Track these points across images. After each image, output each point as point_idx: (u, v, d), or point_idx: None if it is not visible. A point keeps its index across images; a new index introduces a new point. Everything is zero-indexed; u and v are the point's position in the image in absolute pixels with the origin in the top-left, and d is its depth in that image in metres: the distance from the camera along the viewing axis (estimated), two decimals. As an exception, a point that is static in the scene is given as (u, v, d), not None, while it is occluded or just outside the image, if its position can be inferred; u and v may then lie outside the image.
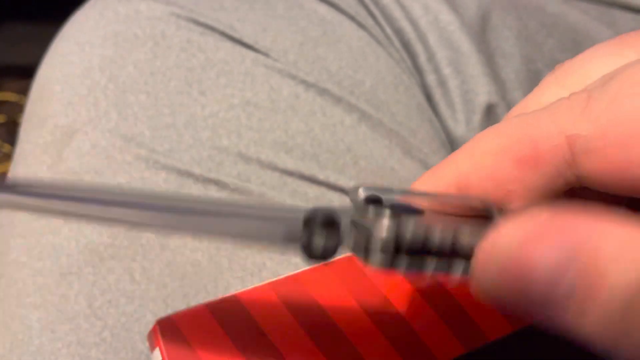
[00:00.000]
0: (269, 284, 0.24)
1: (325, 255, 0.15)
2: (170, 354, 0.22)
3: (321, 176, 0.32)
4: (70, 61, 0.34)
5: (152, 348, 0.23)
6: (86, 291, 0.29)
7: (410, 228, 0.13)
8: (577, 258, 0.12)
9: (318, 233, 0.14)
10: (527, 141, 0.16)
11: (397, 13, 0.38)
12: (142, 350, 0.28)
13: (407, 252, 0.13)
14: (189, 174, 0.31)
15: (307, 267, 0.25)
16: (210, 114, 0.32)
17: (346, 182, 0.32)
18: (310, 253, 0.15)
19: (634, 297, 0.11)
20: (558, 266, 0.12)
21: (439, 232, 0.14)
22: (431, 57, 0.38)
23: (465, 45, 0.37)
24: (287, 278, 0.24)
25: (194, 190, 0.31)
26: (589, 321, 0.12)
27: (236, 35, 0.34)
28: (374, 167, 0.33)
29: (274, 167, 0.32)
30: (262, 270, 0.30)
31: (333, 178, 0.32)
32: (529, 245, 0.12)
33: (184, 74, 0.33)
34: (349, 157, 0.33)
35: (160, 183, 0.31)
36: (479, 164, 0.17)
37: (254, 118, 0.32)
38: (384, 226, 0.13)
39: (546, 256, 0.12)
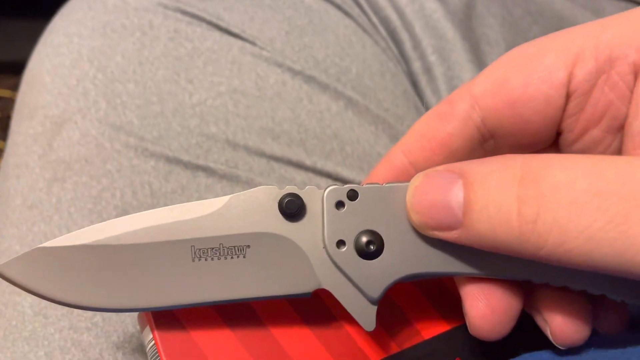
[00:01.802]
0: None
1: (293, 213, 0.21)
2: (161, 330, 0.23)
3: (308, 162, 0.33)
4: (59, 52, 0.34)
5: (142, 327, 0.24)
6: (78, 277, 0.29)
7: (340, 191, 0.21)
8: (459, 180, 0.19)
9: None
10: (446, 102, 0.22)
11: (382, 2, 0.38)
12: (133, 333, 0.28)
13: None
14: (177, 161, 0.31)
15: None
16: (198, 102, 0.33)
17: (333, 168, 0.33)
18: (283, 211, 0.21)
19: (497, 199, 0.18)
20: (449, 187, 0.19)
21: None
22: (417, 45, 0.38)
23: (451, 32, 0.38)
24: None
25: (183, 177, 0.31)
26: (476, 221, 0.18)
27: (223, 24, 0.34)
28: (360, 152, 0.34)
29: (261, 153, 0.32)
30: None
31: (320, 164, 0.33)
32: (431, 181, 0.20)
33: (172, 63, 0.33)
34: (336, 143, 0.34)
35: (149, 170, 0.31)
36: (414, 131, 0.23)
37: (241, 105, 0.33)
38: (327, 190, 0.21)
39: (440, 183, 0.19)
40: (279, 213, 0.21)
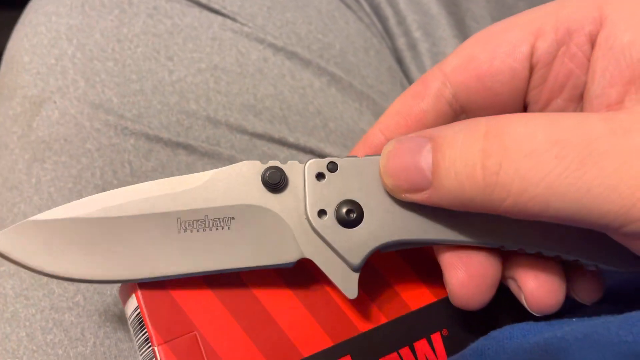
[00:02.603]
0: None
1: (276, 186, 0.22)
2: (146, 297, 0.23)
3: (291, 138, 0.32)
4: (37, 32, 0.34)
5: (127, 297, 0.24)
6: (58, 257, 0.29)
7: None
8: (429, 143, 0.20)
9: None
10: (420, 82, 0.22)
11: None
12: (114, 312, 0.28)
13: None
14: (157, 139, 0.31)
15: None
16: (178, 79, 0.32)
17: (316, 144, 0.33)
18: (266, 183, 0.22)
19: (463, 155, 0.18)
20: (419, 150, 0.20)
21: None
22: (401, 21, 0.38)
23: (435, 8, 0.37)
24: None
25: (163, 155, 0.31)
26: (444, 179, 0.19)
27: (203, 0, 0.34)
28: (344, 129, 0.34)
29: (243, 130, 0.32)
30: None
31: (303, 140, 0.32)
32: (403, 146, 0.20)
33: (151, 40, 0.33)
34: (319, 119, 0.33)
35: (129, 149, 0.31)
36: (391, 110, 0.23)
37: (222, 82, 0.32)
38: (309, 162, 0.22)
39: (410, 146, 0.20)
40: (262, 186, 0.22)
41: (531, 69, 0.21)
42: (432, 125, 0.22)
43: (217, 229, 0.22)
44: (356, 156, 0.22)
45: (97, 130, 0.31)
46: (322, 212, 0.22)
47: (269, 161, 0.22)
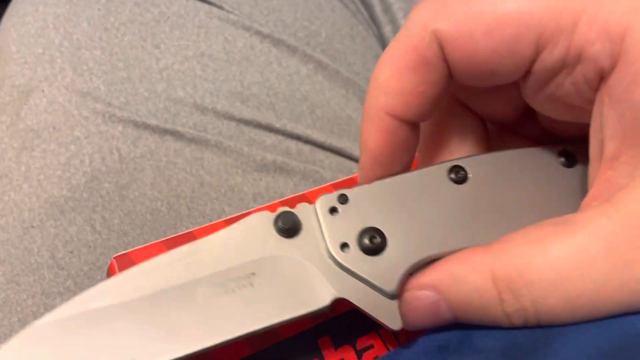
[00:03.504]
0: (224, 220, 0.25)
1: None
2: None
3: (278, 125, 0.33)
4: (25, 21, 0.34)
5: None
6: (49, 243, 0.29)
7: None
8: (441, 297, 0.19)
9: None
10: (411, 51, 0.19)
11: None
12: (105, 296, 0.29)
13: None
14: (145, 126, 0.31)
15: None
16: (165, 66, 0.32)
17: (303, 130, 0.33)
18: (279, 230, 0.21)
19: (469, 297, 0.19)
20: (437, 312, 0.20)
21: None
22: (387, 9, 0.38)
23: None
24: (242, 214, 0.25)
25: (151, 141, 0.31)
26: (461, 304, 0.19)
27: None
28: (330, 115, 0.34)
29: (230, 117, 0.32)
30: (222, 215, 0.30)
31: (289, 126, 0.33)
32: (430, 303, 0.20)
33: (138, 28, 0.33)
34: (306, 106, 0.34)
35: (118, 136, 0.31)
36: (389, 92, 0.20)
37: (208, 69, 0.33)
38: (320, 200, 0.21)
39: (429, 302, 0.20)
40: (275, 234, 0.21)
41: (529, 71, 0.19)
42: (434, 95, 0.20)
43: (240, 289, 0.20)
44: (364, 184, 0.22)
45: (85, 118, 0.31)
46: (344, 246, 0.21)
47: (278, 208, 0.21)
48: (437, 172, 0.22)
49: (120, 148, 0.31)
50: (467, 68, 0.19)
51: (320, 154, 0.33)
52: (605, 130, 0.18)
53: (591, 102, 0.18)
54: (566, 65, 0.18)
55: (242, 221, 0.21)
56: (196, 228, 0.24)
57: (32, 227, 0.30)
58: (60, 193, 0.30)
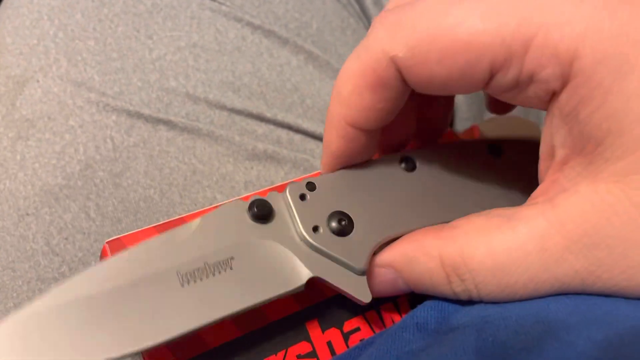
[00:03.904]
0: (216, 206, 0.25)
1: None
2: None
3: (269, 114, 0.33)
4: (19, 13, 0.34)
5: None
6: (44, 230, 0.30)
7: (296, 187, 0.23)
8: (398, 274, 0.22)
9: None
10: (369, 72, 0.20)
11: None
12: (99, 282, 0.29)
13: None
14: (138, 115, 0.32)
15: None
16: (158, 57, 0.33)
17: (294, 120, 0.34)
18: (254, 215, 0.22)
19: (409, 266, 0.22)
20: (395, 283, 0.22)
21: None
22: (377, 1, 0.38)
23: None
24: (233, 201, 0.25)
25: (144, 130, 0.32)
26: (415, 282, 0.22)
27: None
28: (321, 105, 0.34)
29: (222, 106, 0.33)
30: (213, 203, 0.31)
31: (280, 116, 0.33)
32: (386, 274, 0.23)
33: (131, 19, 0.33)
34: (296, 96, 0.34)
35: (111, 125, 0.32)
36: (351, 106, 0.22)
37: (201, 60, 0.33)
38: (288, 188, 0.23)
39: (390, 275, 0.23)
40: (250, 220, 0.22)
41: (486, 86, 0.20)
42: (390, 111, 0.22)
43: (219, 272, 0.21)
44: (329, 173, 0.24)
45: (79, 107, 0.32)
46: (315, 229, 0.22)
47: (251, 196, 0.22)
48: (390, 162, 0.24)
49: (114, 137, 0.31)
50: (424, 88, 0.20)
51: (311, 143, 0.34)
52: (556, 138, 0.19)
53: (546, 107, 0.20)
54: (519, 85, 0.19)
55: (217, 210, 0.22)
56: (187, 214, 0.25)
57: (27, 214, 0.30)
58: (55, 181, 0.31)
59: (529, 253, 0.19)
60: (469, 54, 0.18)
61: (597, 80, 0.17)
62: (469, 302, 0.21)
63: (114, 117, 0.32)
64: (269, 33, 0.35)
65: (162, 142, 0.32)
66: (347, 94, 0.21)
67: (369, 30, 0.21)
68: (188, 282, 0.20)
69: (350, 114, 0.22)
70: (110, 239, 0.24)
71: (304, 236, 0.22)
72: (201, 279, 0.20)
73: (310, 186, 0.23)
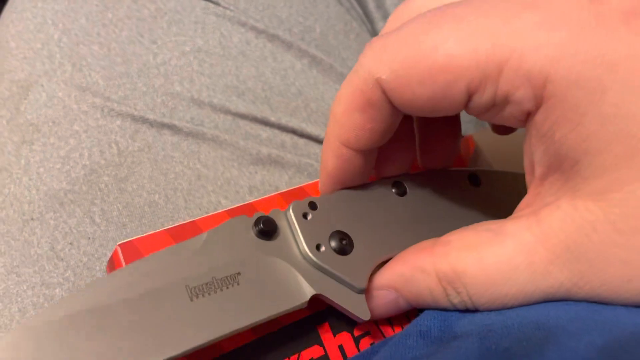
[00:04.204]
0: (227, 210, 0.25)
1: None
2: None
3: (273, 118, 0.33)
4: (23, 17, 0.34)
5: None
6: (48, 235, 0.30)
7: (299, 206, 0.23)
8: (399, 294, 0.23)
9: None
10: (358, 94, 0.21)
11: None
12: (104, 287, 0.29)
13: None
14: (143, 120, 0.32)
15: (261, 198, 0.26)
16: (162, 61, 0.33)
17: (298, 124, 0.34)
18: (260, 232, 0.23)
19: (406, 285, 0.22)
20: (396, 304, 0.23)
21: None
22: (380, 5, 0.39)
23: None
24: (243, 205, 0.26)
25: (149, 135, 0.32)
26: (417, 299, 0.22)
27: None
28: (325, 109, 0.35)
29: (226, 111, 0.33)
30: (218, 208, 0.31)
31: (284, 120, 0.33)
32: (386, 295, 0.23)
33: (135, 24, 0.33)
34: (300, 100, 0.34)
35: (116, 130, 0.32)
36: (343, 126, 0.22)
37: (205, 64, 0.33)
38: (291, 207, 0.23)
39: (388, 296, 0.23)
40: (255, 237, 0.22)
41: (467, 106, 0.21)
42: (381, 132, 0.22)
43: (227, 287, 0.21)
44: (328, 194, 0.25)
45: (84, 112, 0.32)
46: (318, 247, 0.23)
47: (255, 213, 0.23)
48: (384, 186, 0.26)
49: (119, 142, 0.31)
50: (409, 108, 0.21)
51: (315, 147, 0.34)
52: (535, 156, 0.20)
53: (524, 126, 0.20)
54: (496, 105, 0.20)
55: (223, 224, 0.22)
56: (199, 218, 0.25)
57: (32, 219, 0.30)
58: (60, 186, 0.31)
59: (517, 266, 0.19)
60: (447, 76, 0.19)
61: (572, 103, 0.18)
62: (471, 310, 0.21)
63: (118, 122, 0.32)
64: (273, 37, 0.35)
65: (166, 147, 0.32)
66: (339, 114, 0.22)
67: (361, 55, 0.22)
68: (197, 297, 0.20)
69: (343, 133, 0.22)
70: (123, 241, 0.24)
71: (307, 254, 0.22)
72: (209, 294, 0.21)
73: (312, 205, 0.23)
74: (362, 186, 0.25)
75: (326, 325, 0.24)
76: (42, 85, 0.33)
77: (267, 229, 0.22)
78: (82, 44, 0.33)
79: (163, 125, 0.32)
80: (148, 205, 0.30)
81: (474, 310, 0.21)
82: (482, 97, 0.20)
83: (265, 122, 0.33)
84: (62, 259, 0.30)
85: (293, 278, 0.22)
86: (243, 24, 0.34)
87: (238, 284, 0.21)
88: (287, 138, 0.33)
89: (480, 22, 0.19)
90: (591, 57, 0.17)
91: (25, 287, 0.29)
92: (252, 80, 0.34)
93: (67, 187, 0.31)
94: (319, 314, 0.24)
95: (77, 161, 0.31)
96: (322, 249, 0.23)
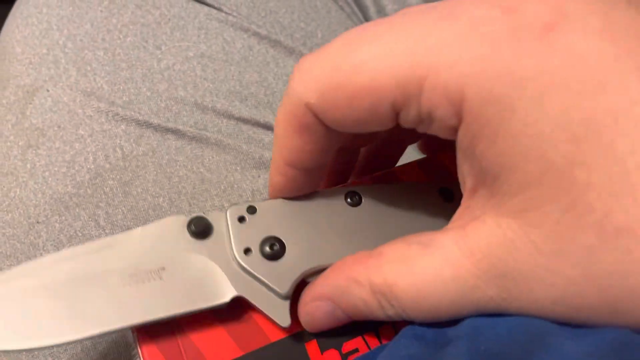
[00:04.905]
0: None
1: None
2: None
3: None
4: (29, 23, 0.35)
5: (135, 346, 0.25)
6: (54, 238, 0.30)
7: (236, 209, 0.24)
8: (335, 305, 0.22)
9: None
10: (292, 117, 0.21)
11: None
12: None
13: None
14: (147, 125, 0.32)
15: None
16: (166, 66, 0.33)
17: (300, 129, 0.34)
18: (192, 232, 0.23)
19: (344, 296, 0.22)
20: (332, 315, 0.23)
21: None
22: (381, 10, 0.39)
23: None
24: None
25: (153, 139, 0.32)
26: (353, 310, 0.22)
27: None
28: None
29: (229, 115, 0.33)
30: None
31: None
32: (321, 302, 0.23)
33: (140, 30, 0.34)
34: None
35: (121, 134, 0.32)
36: (284, 147, 0.23)
37: (208, 69, 0.34)
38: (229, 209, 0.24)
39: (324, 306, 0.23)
40: (188, 235, 0.23)
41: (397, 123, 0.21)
42: (321, 151, 0.23)
43: (149, 280, 0.22)
44: (272, 199, 0.25)
45: (89, 116, 0.32)
46: (247, 251, 0.23)
47: (192, 214, 0.24)
48: (336, 195, 0.25)
49: (124, 146, 0.32)
50: (342, 128, 0.21)
51: (317, 152, 0.34)
52: (463, 169, 0.20)
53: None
54: (423, 121, 0.20)
55: (158, 222, 0.23)
56: None
57: (38, 222, 0.31)
58: (65, 189, 0.31)
59: (445, 280, 0.19)
60: (371, 97, 0.19)
61: (485, 120, 0.18)
62: (409, 322, 0.21)
63: (123, 127, 0.32)
64: (275, 43, 0.35)
65: (170, 151, 0.32)
66: (280, 136, 0.23)
67: (290, 77, 0.22)
68: (119, 286, 0.22)
69: (285, 154, 0.23)
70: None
71: (235, 257, 0.23)
72: (131, 285, 0.22)
73: (251, 209, 0.24)
74: (312, 194, 0.25)
75: (314, 342, 0.24)
76: (47, 90, 0.33)
77: (199, 230, 0.23)
78: (87, 50, 0.33)
79: (167, 130, 0.32)
80: (152, 208, 0.31)
81: (412, 322, 0.21)
82: (409, 115, 0.20)
83: (267, 127, 0.33)
84: None
85: (217, 278, 0.23)
86: (246, 30, 0.35)
87: (161, 279, 0.22)
88: None
89: (398, 40, 0.19)
90: (502, 74, 0.17)
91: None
92: (255, 85, 0.34)
93: (73, 191, 0.31)
94: (307, 331, 0.24)
95: (82, 165, 0.32)
96: (252, 253, 0.23)
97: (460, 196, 0.24)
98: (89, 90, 0.33)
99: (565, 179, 0.17)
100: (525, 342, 0.18)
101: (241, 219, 0.24)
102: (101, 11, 0.34)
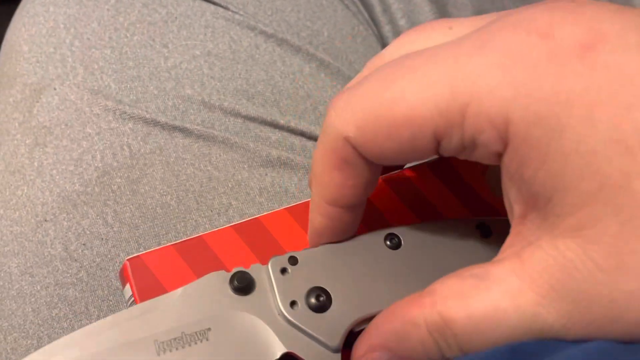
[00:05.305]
0: (233, 225, 0.26)
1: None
2: (140, 288, 0.24)
3: (282, 121, 0.34)
4: (36, 21, 0.35)
5: (124, 284, 0.25)
6: (62, 236, 0.30)
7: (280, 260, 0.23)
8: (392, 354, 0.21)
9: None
10: (332, 153, 0.21)
11: None
12: (117, 287, 0.30)
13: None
14: (155, 123, 0.32)
15: (269, 211, 0.27)
16: (174, 65, 0.33)
17: (307, 127, 0.34)
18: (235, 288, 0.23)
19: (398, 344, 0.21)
20: None
21: None
22: (386, 9, 0.39)
23: None
24: (249, 221, 0.26)
25: (161, 138, 0.32)
26: (410, 355, 0.21)
27: None
28: (333, 112, 0.35)
29: (236, 114, 0.33)
30: (229, 209, 0.31)
31: (293, 123, 0.34)
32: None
33: (147, 28, 0.34)
34: (309, 103, 0.35)
35: (128, 132, 0.32)
36: (325, 185, 0.22)
37: (215, 68, 0.34)
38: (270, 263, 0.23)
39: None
40: (231, 292, 0.23)
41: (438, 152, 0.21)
42: (363, 186, 0.22)
43: (195, 342, 0.22)
44: (313, 248, 0.24)
45: (96, 115, 0.32)
46: (293, 304, 0.23)
47: (234, 268, 0.23)
48: (375, 239, 0.25)
49: (131, 144, 0.32)
50: (382, 160, 0.21)
51: (323, 150, 0.34)
52: (510, 195, 0.20)
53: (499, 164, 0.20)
54: (466, 148, 0.20)
55: (199, 280, 0.23)
56: (205, 233, 0.25)
57: (46, 220, 0.31)
58: (73, 188, 0.31)
59: (505, 311, 0.19)
60: (412, 128, 0.20)
61: (533, 142, 0.18)
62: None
63: (130, 125, 0.32)
64: (281, 41, 0.35)
65: (178, 149, 0.32)
66: (319, 174, 0.22)
67: (327, 113, 0.22)
68: (164, 351, 0.21)
69: (327, 193, 0.23)
70: (131, 256, 0.24)
71: (281, 311, 0.22)
72: (177, 349, 0.21)
73: (293, 260, 0.23)
74: (350, 239, 0.25)
75: None
76: (54, 89, 0.33)
77: (242, 285, 0.23)
78: (94, 48, 0.34)
79: (174, 128, 0.32)
80: (160, 206, 0.31)
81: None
82: (451, 143, 0.20)
83: (274, 125, 0.34)
84: (75, 260, 0.30)
85: (265, 335, 0.22)
86: (252, 28, 0.35)
87: (207, 340, 0.22)
88: (296, 140, 0.34)
89: (436, 70, 0.19)
90: (546, 95, 0.17)
91: (39, 288, 0.30)
92: (262, 84, 0.34)
93: (80, 189, 0.31)
94: None
95: (90, 163, 0.32)
96: (298, 306, 0.23)
97: (498, 231, 0.24)
98: (96, 88, 0.33)
99: (624, 192, 0.17)
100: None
101: (283, 271, 0.23)
102: (108, 10, 0.34)
